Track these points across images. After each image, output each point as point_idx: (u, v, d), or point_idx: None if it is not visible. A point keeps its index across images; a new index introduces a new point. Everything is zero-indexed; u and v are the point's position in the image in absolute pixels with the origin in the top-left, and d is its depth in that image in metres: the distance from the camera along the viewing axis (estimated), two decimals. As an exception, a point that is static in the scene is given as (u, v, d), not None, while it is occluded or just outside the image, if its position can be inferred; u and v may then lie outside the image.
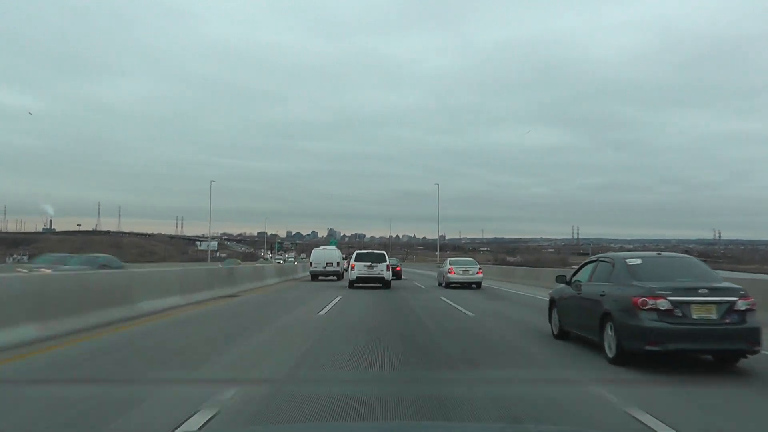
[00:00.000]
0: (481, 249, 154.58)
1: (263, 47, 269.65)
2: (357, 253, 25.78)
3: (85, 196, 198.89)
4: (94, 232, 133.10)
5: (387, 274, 24.50)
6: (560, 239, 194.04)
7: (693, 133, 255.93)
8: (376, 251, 26.65)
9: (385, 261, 24.88)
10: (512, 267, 41.42)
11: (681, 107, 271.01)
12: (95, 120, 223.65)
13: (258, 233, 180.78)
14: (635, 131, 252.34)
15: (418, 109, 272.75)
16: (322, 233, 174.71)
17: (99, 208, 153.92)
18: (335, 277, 31.09)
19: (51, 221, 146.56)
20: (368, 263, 24.43)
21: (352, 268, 24.60)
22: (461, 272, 24.73)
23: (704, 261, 9.65)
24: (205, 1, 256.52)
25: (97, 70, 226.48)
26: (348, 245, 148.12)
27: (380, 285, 24.24)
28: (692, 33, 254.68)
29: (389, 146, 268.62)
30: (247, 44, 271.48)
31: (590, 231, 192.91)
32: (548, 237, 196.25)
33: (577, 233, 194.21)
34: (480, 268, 25.33)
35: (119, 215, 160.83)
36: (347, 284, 24.97)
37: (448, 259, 28.05)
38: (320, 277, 31.42)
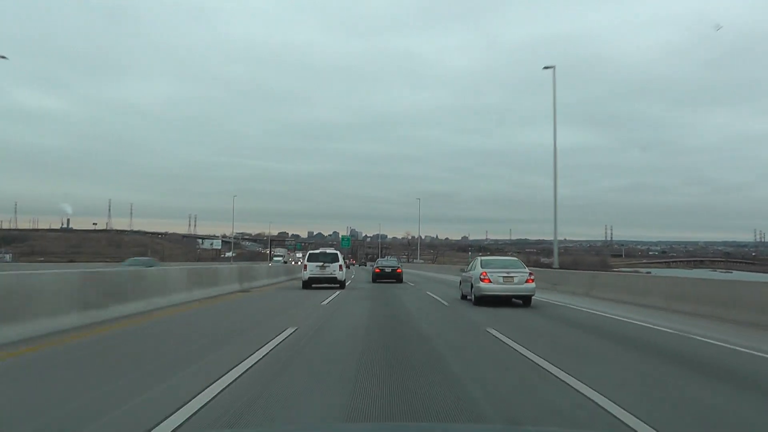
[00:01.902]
0: (527, 249, 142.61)
1: (287, 47, 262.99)
2: (309, 254, 25.57)
3: (106, 197, 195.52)
4: (106, 231, 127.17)
5: (340, 275, 24.15)
6: (585, 240, 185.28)
7: (724, 132, 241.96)
8: (328, 251, 26.71)
9: (338, 261, 24.47)
10: (589, 273, 26.81)
11: (712, 105, 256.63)
12: (118, 121, 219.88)
13: (278, 233, 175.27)
14: (664, 131, 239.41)
15: (442, 108, 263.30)
16: (344, 234, 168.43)
17: (109, 206, 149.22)
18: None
19: (69, 220, 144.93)
20: (320, 263, 24.10)
21: (305, 268, 24.29)
22: (501, 279, 15.66)
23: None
24: (229, 0, 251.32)
25: (121, 71, 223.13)
26: (369, 246, 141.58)
27: (337, 285, 23.91)
28: (726, 27, 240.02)
29: (413, 147, 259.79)
30: (271, 44, 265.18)
31: (615, 233, 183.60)
32: (572, 239, 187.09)
33: (611, 234, 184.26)
34: (531, 274, 16.18)
35: (131, 214, 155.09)
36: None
37: (478, 258, 18.32)
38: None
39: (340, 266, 24.42)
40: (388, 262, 34.81)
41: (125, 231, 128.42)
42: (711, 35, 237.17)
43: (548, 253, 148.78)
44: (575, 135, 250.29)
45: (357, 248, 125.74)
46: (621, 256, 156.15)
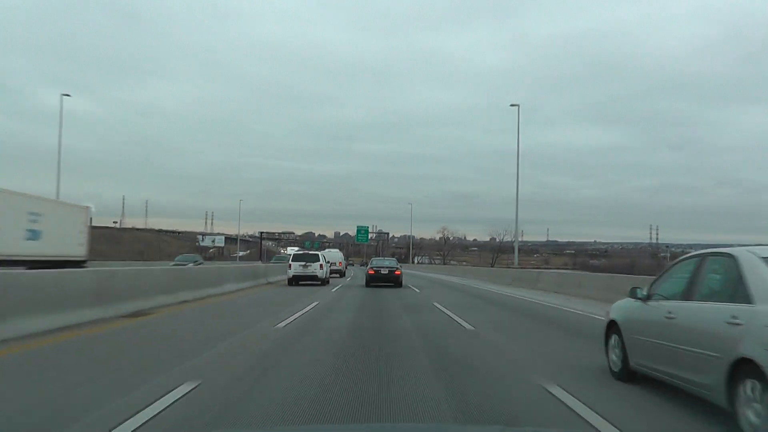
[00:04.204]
0: (566, 251, 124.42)
1: (314, 46, 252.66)
2: (294, 254, 29.87)
3: (130, 197, 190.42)
4: (106, 228, 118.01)
5: (321, 273, 26.28)
6: (615, 243, 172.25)
7: (757, 130, 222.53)
8: (310, 252, 31.28)
9: (319, 261, 26.81)
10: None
11: (745, 103, 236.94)
12: (143, 123, 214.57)
13: (303, 233, 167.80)
14: (694, 129, 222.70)
15: (469, 108, 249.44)
16: (371, 234, 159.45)
17: (123, 203, 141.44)
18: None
19: (91, 219, 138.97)
20: (303, 263, 26.36)
21: (289, 267, 26.65)
22: None
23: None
24: (254, 0, 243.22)
25: (146, 72, 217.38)
26: (396, 246, 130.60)
27: (318, 283, 25.95)
28: (764, 20, 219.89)
29: (440, 147, 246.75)
30: (298, 43, 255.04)
31: (644, 234, 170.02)
32: (603, 240, 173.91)
33: (656, 236, 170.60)
34: None
35: (146, 212, 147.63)
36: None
37: None
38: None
39: (321, 265, 26.63)
40: (384, 263, 29.74)
41: (127, 228, 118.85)
42: (748, 28, 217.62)
43: (597, 255, 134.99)
44: (605, 134, 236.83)
45: (383, 248, 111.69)
46: (666, 257, 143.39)
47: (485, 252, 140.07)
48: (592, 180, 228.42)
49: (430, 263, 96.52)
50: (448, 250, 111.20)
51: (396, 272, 27.07)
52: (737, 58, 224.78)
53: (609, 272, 49.52)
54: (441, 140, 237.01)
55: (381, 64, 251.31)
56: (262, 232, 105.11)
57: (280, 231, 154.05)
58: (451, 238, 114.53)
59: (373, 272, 27.16)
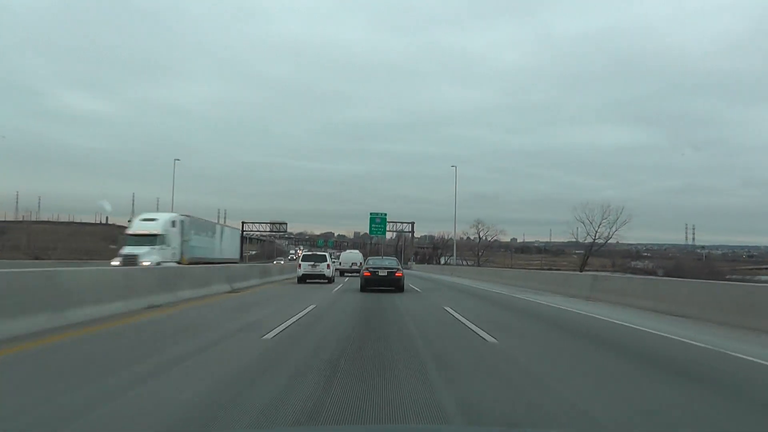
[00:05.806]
0: (614, 251, 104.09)
1: (333, 46, 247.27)
2: (303, 255, 32.46)
3: (149, 197, 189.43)
4: (106, 225, 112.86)
5: (328, 272, 28.74)
6: (639, 244, 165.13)
7: None
8: (318, 253, 32.62)
9: (326, 261, 29.15)
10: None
11: None
12: (162, 123, 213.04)
13: (322, 233, 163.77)
14: (720, 129, 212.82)
15: (490, 107, 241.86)
16: (390, 234, 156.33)
17: (133, 201, 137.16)
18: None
19: (107, 218, 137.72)
20: (312, 263, 28.84)
21: (299, 267, 29.27)
22: None
23: None
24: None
25: (166, 73, 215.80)
26: (419, 246, 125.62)
27: (325, 281, 28.31)
28: None
29: (461, 146, 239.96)
30: (317, 43, 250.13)
31: (668, 237, 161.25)
32: (625, 242, 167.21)
33: (693, 237, 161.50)
34: None
35: (156, 209, 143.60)
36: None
37: None
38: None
39: (328, 265, 29.10)
40: (383, 263, 26.60)
41: (124, 226, 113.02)
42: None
43: (604, 254, 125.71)
44: (626, 134, 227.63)
45: (405, 246, 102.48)
46: (702, 260, 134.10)
47: (506, 251, 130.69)
48: (613, 180, 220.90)
49: (459, 264, 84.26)
50: (482, 250, 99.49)
51: (396, 274, 24.60)
52: (766, 54, 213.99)
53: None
54: (461, 139, 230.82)
55: (400, 64, 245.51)
56: (244, 222, 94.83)
57: (297, 231, 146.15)
58: (471, 238, 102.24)
59: (369, 274, 24.48)
